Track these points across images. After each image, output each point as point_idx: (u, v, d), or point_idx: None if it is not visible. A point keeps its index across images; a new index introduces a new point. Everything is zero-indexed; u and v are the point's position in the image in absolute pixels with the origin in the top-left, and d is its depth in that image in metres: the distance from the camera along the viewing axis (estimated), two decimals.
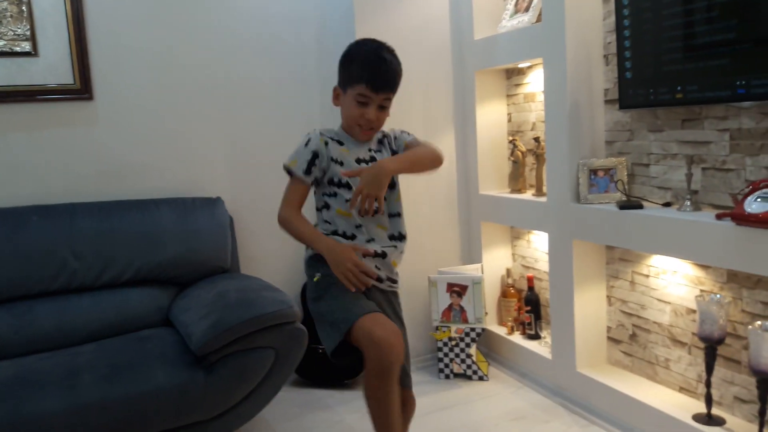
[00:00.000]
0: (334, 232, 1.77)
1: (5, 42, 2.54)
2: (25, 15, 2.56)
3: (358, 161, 1.76)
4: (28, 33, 2.57)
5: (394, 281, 1.86)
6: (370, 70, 1.67)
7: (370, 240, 1.77)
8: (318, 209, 1.82)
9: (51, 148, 2.65)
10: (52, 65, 2.62)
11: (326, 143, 1.75)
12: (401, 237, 1.84)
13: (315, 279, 1.76)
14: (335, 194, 1.75)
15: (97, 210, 2.52)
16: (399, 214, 1.83)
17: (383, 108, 1.73)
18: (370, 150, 1.79)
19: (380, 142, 1.83)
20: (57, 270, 2.38)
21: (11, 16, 2.54)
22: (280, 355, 2.18)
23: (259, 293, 2.30)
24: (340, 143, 1.77)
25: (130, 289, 2.49)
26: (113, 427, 1.94)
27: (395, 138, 1.86)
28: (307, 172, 1.73)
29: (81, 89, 2.67)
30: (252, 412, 2.21)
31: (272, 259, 3.03)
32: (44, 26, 2.59)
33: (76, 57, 2.64)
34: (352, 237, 1.76)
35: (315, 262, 1.77)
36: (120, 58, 2.73)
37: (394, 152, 1.84)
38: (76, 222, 2.45)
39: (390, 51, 1.74)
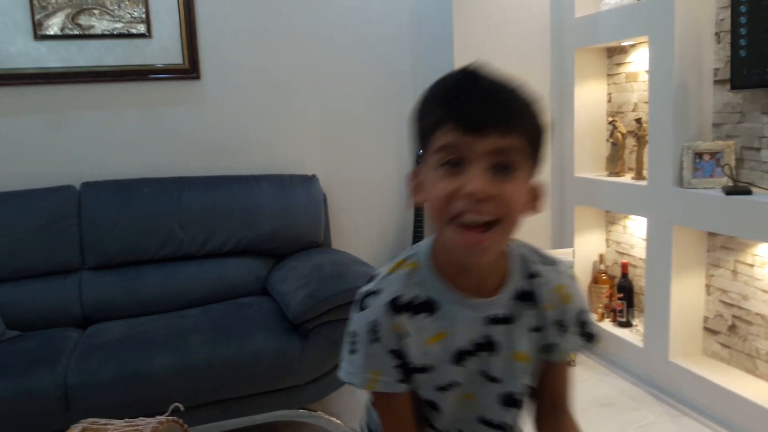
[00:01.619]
0: None
1: (123, 24, 2.71)
2: None
3: (460, 356, 0.90)
4: (144, 16, 2.73)
5: None
6: (455, 98, 0.83)
7: None
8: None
9: (161, 124, 2.81)
10: (164, 46, 2.77)
11: (399, 335, 0.89)
12: None
13: None
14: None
15: (202, 184, 2.66)
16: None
17: (505, 170, 0.79)
18: (491, 320, 0.90)
19: (520, 297, 0.91)
20: (165, 239, 2.54)
21: (129, 0, 2.71)
22: None
23: (350, 267, 2.38)
24: (429, 308, 0.90)
25: (231, 259, 2.62)
26: (217, 385, 2.07)
27: (569, 306, 0.93)
28: (402, 379, 0.91)
29: (189, 69, 2.81)
30: (336, 383, 2.29)
31: (361, 235, 3.11)
32: (158, 9, 2.74)
33: (186, 39, 2.78)
34: None
35: None
36: (225, 40, 2.86)
37: (557, 335, 0.93)
38: (183, 195, 2.60)
39: (495, 76, 0.84)
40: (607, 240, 3.07)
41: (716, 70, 2.32)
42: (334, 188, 3.03)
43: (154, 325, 2.26)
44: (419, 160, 0.86)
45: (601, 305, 2.96)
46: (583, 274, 3.04)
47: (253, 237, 2.62)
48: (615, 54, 2.87)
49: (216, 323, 2.24)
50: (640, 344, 2.63)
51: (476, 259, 0.83)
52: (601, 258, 3.02)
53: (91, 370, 1.99)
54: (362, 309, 0.92)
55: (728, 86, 2.20)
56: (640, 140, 2.62)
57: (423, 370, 0.91)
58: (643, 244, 2.61)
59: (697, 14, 2.30)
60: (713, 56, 2.33)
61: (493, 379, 0.92)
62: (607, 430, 2.29)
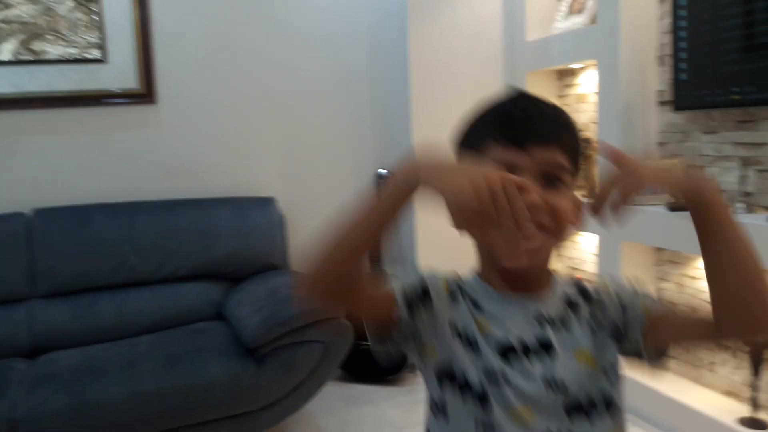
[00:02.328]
0: None
1: (78, 50, 2.70)
2: (96, 24, 2.71)
3: (506, 351, 0.85)
4: (99, 41, 2.72)
5: None
6: (501, 116, 0.86)
7: None
8: (431, 410, 0.91)
9: (116, 149, 2.79)
10: (120, 71, 2.77)
11: (452, 294, 0.89)
12: None
13: None
14: (452, 402, 0.87)
15: (158, 208, 2.64)
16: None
17: (555, 183, 0.83)
18: (542, 321, 0.87)
19: (570, 304, 0.90)
20: (119, 264, 2.51)
21: (84, 26, 2.70)
22: (326, 349, 2.25)
23: None
24: (476, 305, 0.88)
25: (186, 284, 2.59)
26: (170, 414, 2.04)
27: (618, 298, 0.91)
28: (408, 305, 0.86)
29: (145, 94, 2.81)
30: (299, 404, 2.28)
31: None
32: (113, 35, 2.73)
33: (142, 63, 2.78)
34: None
35: None
36: (182, 64, 2.86)
37: (619, 333, 0.90)
38: (137, 220, 2.58)
39: (533, 97, 0.89)
40: (561, 256, 3.12)
41: (660, 92, 2.40)
42: (293, 210, 3.03)
43: (106, 353, 2.23)
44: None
45: None
46: None
47: (209, 261, 2.61)
48: (565, 76, 2.95)
49: (169, 350, 2.22)
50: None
51: (528, 263, 0.83)
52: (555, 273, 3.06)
53: (40, 402, 1.95)
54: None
55: (671, 108, 2.28)
56: (590, 159, 2.68)
57: (467, 341, 0.85)
58: (595, 259, 2.67)
59: (641, 39, 2.38)
60: (657, 79, 2.40)
61: (558, 386, 0.84)
62: None
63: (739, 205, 2.01)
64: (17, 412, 1.91)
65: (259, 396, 2.16)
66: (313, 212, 3.06)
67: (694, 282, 2.31)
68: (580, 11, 2.68)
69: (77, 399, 1.97)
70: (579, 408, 0.85)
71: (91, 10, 2.69)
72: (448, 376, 0.86)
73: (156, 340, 2.33)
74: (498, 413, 0.83)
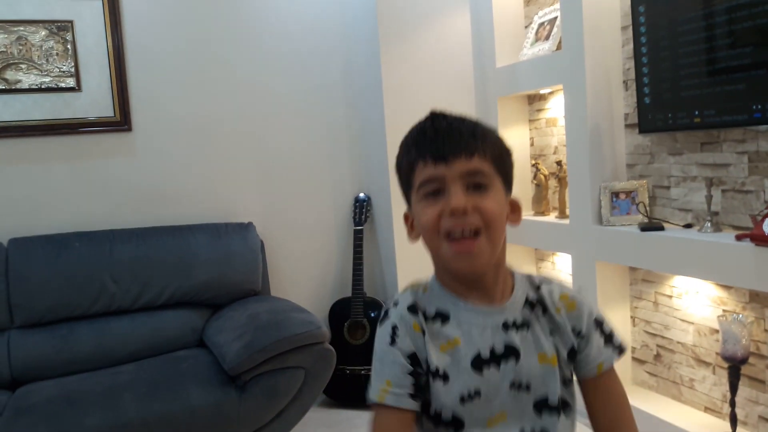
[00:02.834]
0: None
1: (51, 78, 2.70)
2: (69, 53, 2.72)
3: (479, 363, 0.92)
4: (73, 70, 2.72)
5: None
6: (419, 137, 0.97)
7: None
8: None
9: (92, 177, 2.78)
10: (94, 99, 2.77)
11: (422, 330, 0.94)
12: None
13: None
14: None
15: (135, 236, 2.64)
16: None
17: (480, 188, 0.92)
18: (507, 326, 0.94)
19: (532, 306, 0.97)
20: (97, 293, 2.50)
21: (57, 54, 2.70)
22: (309, 375, 2.25)
23: (289, 315, 2.38)
24: (442, 317, 0.95)
25: (166, 312, 2.59)
26: None
27: (577, 312, 0.97)
28: (413, 393, 0.92)
29: (120, 121, 2.81)
30: (282, 431, 2.28)
31: (301, 281, 3.12)
32: (87, 63, 2.74)
33: (116, 92, 2.79)
34: None
35: None
36: (157, 91, 2.88)
37: (576, 341, 0.97)
38: (114, 248, 2.57)
39: (452, 115, 0.98)
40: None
41: (626, 114, 2.49)
42: (272, 235, 3.04)
43: (86, 384, 2.21)
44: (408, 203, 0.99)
45: None
46: None
47: (189, 288, 2.61)
48: (535, 101, 3.04)
49: (150, 379, 2.21)
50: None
51: (471, 265, 0.91)
52: None
53: None
54: (383, 324, 0.96)
55: (637, 130, 2.36)
56: (562, 181, 2.76)
57: (443, 377, 0.92)
58: (571, 279, 2.73)
59: (605, 64, 2.47)
60: (623, 102, 2.50)
61: (524, 387, 0.93)
62: None
63: (706, 224, 2.09)
64: None
65: (242, 423, 2.16)
66: (291, 236, 3.10)
67: (670, 300, 2.39)
68: (546, 38, 2.78)
69: (57, 431, 1.94)
70: (546, 405, 0.94)
71: (64, 39, 2.70)
72: (433, 417, 0.93)
73: (137, 369, 2.32)
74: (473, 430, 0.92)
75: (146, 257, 2.59)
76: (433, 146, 0.92)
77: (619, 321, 2.57)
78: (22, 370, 2.34)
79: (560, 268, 3.01)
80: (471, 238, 0.89)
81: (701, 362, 2.28)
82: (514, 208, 0.99)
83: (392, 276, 3.07)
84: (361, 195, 3.21)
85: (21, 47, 2.65)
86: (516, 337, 0.93)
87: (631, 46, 2.36)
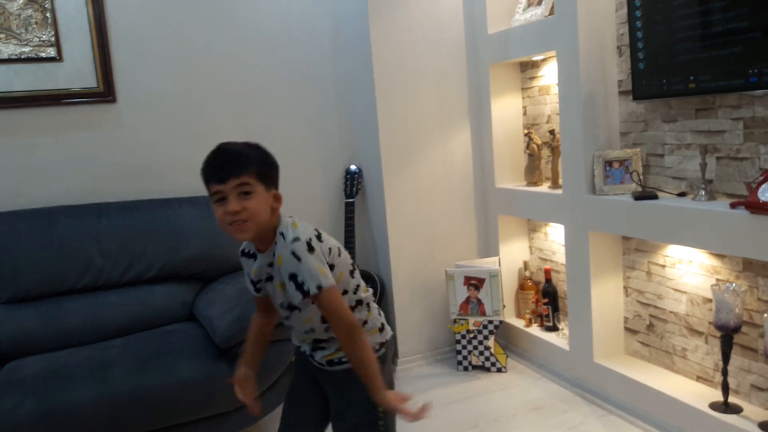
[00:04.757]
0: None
1: (31, 48, 2.63)
2: (49, 21, 2.64)
3: (259, 282, 1.60)
4: (53, 39, 2.65)
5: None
6: (207, 165, 1.47)
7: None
8: None
9: (77, 150, 2.73)
10: (77, 70, 2.70)
11: (246, 255, 1.61)
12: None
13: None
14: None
15: (122, 209, 2.59)
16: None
17: (247, 194, 1.43)
18: (269, 264, 1.53)
19: (274, 254, 1.51)
20: (85, 268, 2.46)
21: (36, 23, 2.63)
22: None
23: None
24: (253, 256, 1.59)
25: (155, 286, 2.56)
26: (142, 416, 2.01)
27: (280, 253, 1.48)
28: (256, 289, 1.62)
29: (104, 92, 2.75)
30: (272, 405, 2.27)
31: None
32: (68, 32, 2.67)
33: (99, 61, 2.72)
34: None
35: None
36: (141, 61, 2.80)
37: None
38: (102, 221, 2.53)
39: (233, 143, 1.51)
40: (531, 247, 3.17)
41: (620, 81, 2.45)
42: None
43: (74, 358, 2.18)
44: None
45: (528, 311, 3.04)
46: (509, 281, 3.13)
47: (178, 261, 2.57)
48: (528, 68, 2.99)
49: (140, 353, 2.18)
50: (567, 347, 2.72)
51: (243, 237, 1.47)
52: (526, 265, 3.11)
53: (7, 410, 1.90)
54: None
55: (631, 97, 2.32)
56: (555, 150, 2.73)
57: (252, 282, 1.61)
58: (564, 249, 2.71)
59: (599, 29, 2.42)
60: (616, 69, 2.45)
61: (279, 297, 1.55)
62: None
63: (701, 192, 2.07)
64: None
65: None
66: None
67: (663, 270, 2.37)
68: (538, 3, 2.71)
69: (46, 405, 1.93)
70: (288, 307, 1.53)
71: (43, 6, 2.62)
72: None
73: (126, 343, 2.29)
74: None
75: (134, 230, 2.55)
76: (216, 172, 1.44)
77: (611, 291, 2.56)
78: (9, 345, 2.31)
79: (553, 238, 2.99)
80: (241, 224, 1.43)
81: (694, 332, 2.27)
82: (277, 198, 1.51)
83: (384, 248, 3.05)
84: (352, 167, 3.16)
85: None
86: (270, 270, 1.53)
87: (624, 10, 2.31)
